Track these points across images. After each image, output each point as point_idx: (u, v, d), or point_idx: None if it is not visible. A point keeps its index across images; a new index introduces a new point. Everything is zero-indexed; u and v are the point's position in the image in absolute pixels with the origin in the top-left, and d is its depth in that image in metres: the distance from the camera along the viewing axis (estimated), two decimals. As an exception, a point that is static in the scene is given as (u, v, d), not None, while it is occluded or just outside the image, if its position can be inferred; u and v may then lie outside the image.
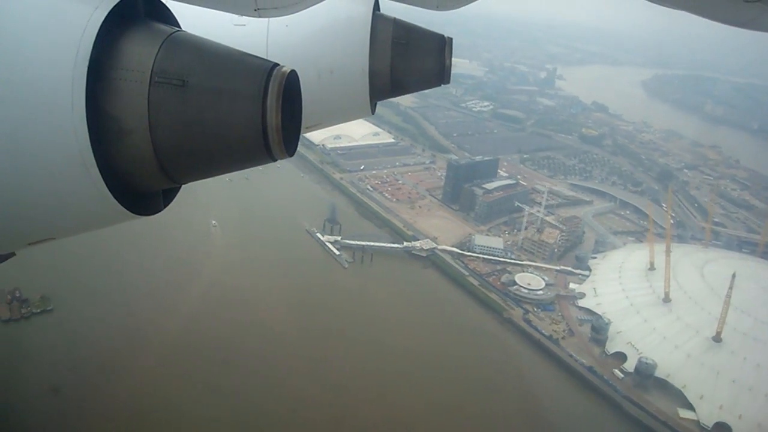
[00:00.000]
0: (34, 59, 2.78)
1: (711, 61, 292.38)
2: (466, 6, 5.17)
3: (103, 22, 2.84)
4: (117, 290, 72.00)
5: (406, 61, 5.19)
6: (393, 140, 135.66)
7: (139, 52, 2.99)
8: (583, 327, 75.18)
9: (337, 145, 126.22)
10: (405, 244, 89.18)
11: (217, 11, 3.88)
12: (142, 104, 2.94)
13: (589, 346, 72.05)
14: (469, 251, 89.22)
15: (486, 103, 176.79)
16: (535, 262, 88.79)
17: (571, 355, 69.61)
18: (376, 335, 68.40)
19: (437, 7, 4.85)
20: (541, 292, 79.83)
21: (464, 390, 61.53)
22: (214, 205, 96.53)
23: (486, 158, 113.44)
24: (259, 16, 3.57)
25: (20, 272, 72.50)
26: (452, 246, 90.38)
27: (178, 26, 3.40)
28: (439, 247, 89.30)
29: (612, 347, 71.28)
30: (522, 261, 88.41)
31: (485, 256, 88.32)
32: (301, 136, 3.59)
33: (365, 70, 5.01)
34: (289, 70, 3.04)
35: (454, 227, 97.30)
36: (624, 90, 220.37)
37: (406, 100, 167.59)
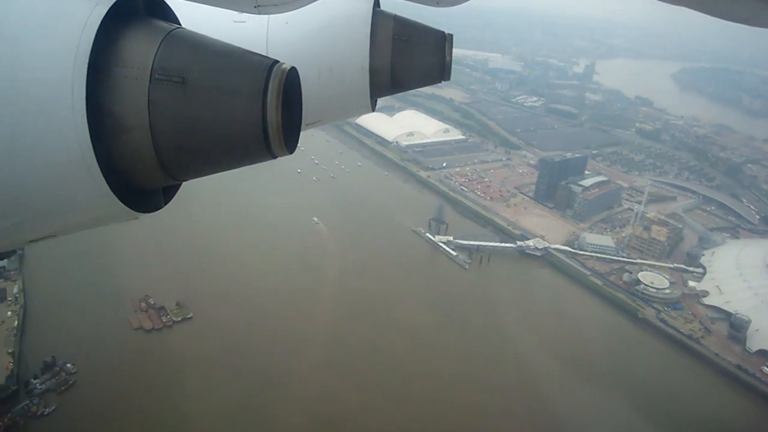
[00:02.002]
0: (33, 56, 2.73)
1: (729, 53, 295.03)
2: (467, 2, 5.06)
3: (104, 18, 2.80)
4: (245, 294, 70.16)
5: (407, 58, 5.16)
6: (463, 137, 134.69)
7: (140, 49, 2.96)
8: (716, 325, 75.37)
9: (412, 142, 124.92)
10: (518, 243, 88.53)
11: (217, 8, 3.84)
12: (143, 101, 2.92)
13: (729, 345, 72.28)
14: (580, 250, 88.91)
15: (534, 98, 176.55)
16: (646, 260, 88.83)
17: (717, 354, 69.72)
18: (525, 338, 67.89)
19: (438, 4, 4.78)
20: (667, 291, 79.89)
21: (634, 391, 61.28)
22: (308, 202, 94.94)
23: (576, 155, 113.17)
24: (259, 13, 3.55)
25: (138, 279, 71.04)
26: (562, 244, 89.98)
27: (178, 23, 3.38)
28: (552, 246, 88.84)
29: (753, 345, 71.55)
30: (635, 259, 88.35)
31: (598, 255, 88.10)
32: (302, 133, 3.63)
33: (365, 67, 5.00)
34: (289, 67, 3.02)
35: (556, 225, 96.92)
36: (657, 83, 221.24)
37: (456, 96, 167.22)
